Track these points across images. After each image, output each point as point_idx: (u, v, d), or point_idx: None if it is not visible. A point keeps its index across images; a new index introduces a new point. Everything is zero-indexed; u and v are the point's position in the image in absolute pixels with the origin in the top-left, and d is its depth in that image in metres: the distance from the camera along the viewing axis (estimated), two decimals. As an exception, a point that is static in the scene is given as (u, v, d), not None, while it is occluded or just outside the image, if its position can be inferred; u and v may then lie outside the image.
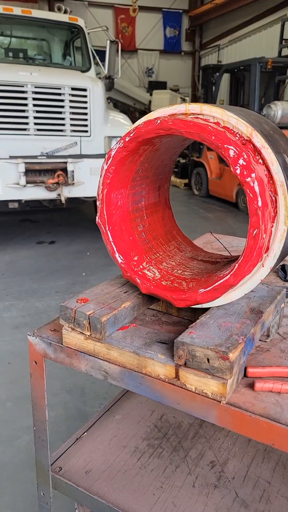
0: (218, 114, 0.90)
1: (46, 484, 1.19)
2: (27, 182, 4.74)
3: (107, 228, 1.06)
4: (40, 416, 1.13)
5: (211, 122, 0.90)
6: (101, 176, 1.04)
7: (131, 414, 1.46)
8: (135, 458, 1.27)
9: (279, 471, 1.24)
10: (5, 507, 1.88)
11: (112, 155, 1.00)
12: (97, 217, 1.08)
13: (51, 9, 12.05)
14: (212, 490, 1.17)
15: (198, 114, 0.92)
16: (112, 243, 1.06)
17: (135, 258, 1.09)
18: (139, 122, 0.99)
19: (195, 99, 16.23)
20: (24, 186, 4.74)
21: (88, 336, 0.98)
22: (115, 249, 1.06)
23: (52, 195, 4.95)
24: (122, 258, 1.06)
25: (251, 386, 0.88)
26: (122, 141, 0.98)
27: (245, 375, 0.92)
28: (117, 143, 0.99)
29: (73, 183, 4.95)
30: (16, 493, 1.94)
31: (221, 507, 1.12)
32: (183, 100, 12.94)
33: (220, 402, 0.83)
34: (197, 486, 1.18)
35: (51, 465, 1.20)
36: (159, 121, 0.93)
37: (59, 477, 1.17)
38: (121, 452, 1.29)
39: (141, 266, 1.08)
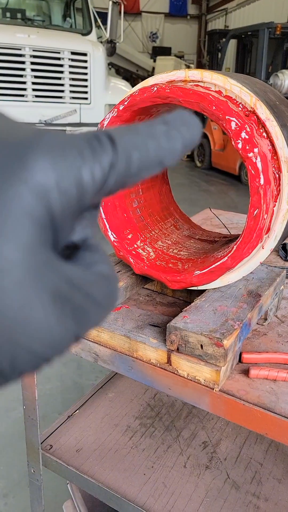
0: (220, 82, 0.82)
1: (36, 461, 1.18)
2: (25, 151, 4.61)
3: (99, 204, 1.00)
4: (30, 394, 1.11)
5: (212, 91, 0.83)
6: (93, 147, 0.97)
7: (124, 392, 1.44)
8: (127, 437, 1.26)
9: (271, 453, 1.23)
10: None
11: (104, 125, 0.93)
12: (89, 192, 1.01)
13: None
14: (203, 471, 1.16)
15: (199, 82, 0.85)
16: (105, 219, 1.00)
17: (129, 236, 1.03)
18: (135, 89, 0.91)
19: (200, 67, 15.69)
20: (22, 155, 4.61)
21: (78, 317, 0.93)
22: (107, 226, 1.00)
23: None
24: (115, 236, 1.00)
25: (246, 372, 0.84)
26: (116, 110, 0.90)
27: (240, 361, 0.88)
28: (110, 112, 0.92)
29: (72, 153, 4.81)
30: (10, 464, 1.96)
31: (212, 488, 1.11)
32: (188, 67, 12.49)
33: (213, 389, 0.80)
34: (189, 466, 1.17)
35: (41, 443, 1.19)
36: (155, 89, 0.85)
37: (49, 456, 1.16)
38: (113, 431, 1.28)
39: (135, 245, 1.03)
